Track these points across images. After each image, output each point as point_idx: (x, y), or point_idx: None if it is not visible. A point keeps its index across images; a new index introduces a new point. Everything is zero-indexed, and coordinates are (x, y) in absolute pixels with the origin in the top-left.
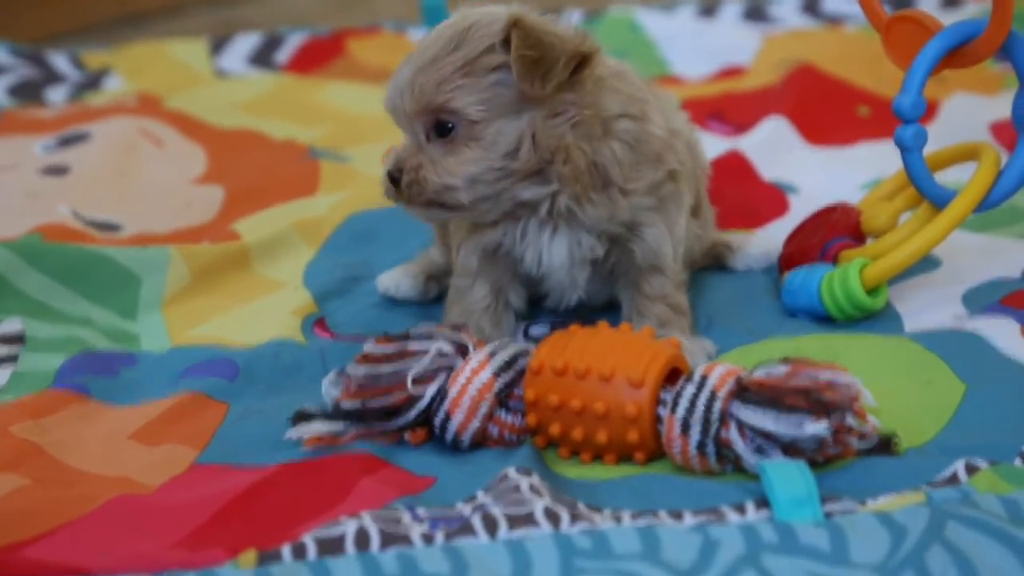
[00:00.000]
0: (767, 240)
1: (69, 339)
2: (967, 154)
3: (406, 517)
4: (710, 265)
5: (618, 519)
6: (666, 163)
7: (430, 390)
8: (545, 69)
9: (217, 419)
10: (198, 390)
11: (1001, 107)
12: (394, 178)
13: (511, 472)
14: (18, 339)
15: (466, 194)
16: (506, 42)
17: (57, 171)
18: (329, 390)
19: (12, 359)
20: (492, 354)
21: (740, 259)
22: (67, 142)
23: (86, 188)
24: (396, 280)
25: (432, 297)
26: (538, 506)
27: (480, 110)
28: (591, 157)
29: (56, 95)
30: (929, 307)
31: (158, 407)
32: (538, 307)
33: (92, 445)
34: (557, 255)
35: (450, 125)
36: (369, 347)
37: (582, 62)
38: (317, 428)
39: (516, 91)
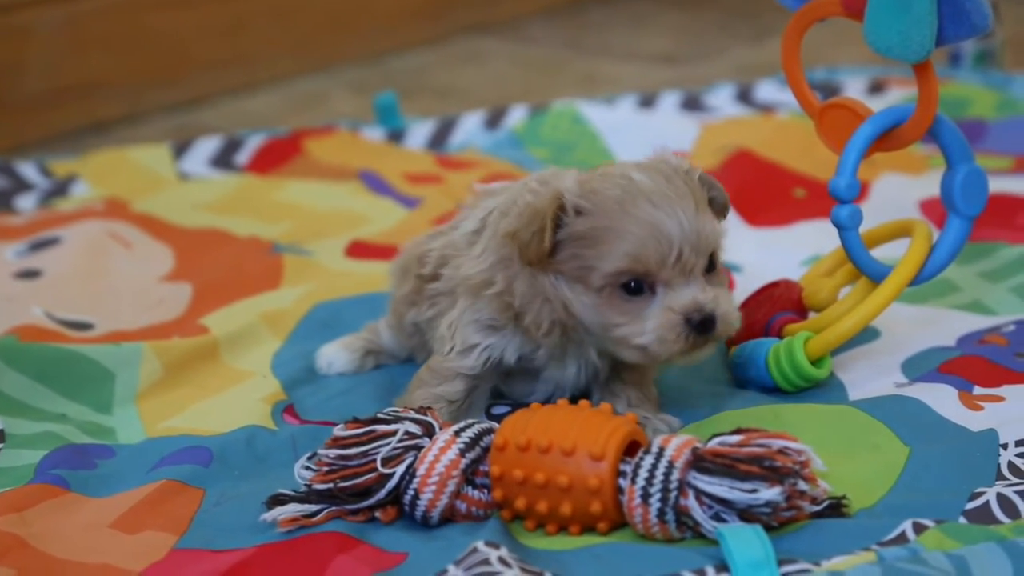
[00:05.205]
0: None
1: (47, 435)
2: (901, 231)
3: None
4: None
5: None
6: None
7: (399, 470)
8: None
9: (194, 505)
10: (174, 478)
11: (928, 186)
12: (708, 323)
13: (480, 546)
14: None
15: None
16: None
17: (29, 275)
18: (302, 473)
19: None
20: (458, 433)
21: None
22: (38, 246)
23: (58, 290)
24: (330, 358)
25: (368, 370)
26: None
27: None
28: None
29: (25, 203)
30: (871, 376)
31: (136, 496)
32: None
33: (73, 535)
34: (570, 370)
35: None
36: (339, 430)
37: None
38: (292, 510)
39: None
